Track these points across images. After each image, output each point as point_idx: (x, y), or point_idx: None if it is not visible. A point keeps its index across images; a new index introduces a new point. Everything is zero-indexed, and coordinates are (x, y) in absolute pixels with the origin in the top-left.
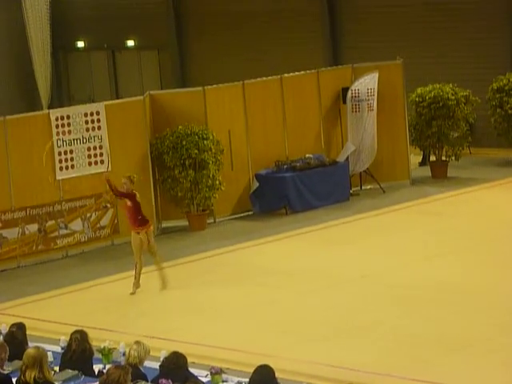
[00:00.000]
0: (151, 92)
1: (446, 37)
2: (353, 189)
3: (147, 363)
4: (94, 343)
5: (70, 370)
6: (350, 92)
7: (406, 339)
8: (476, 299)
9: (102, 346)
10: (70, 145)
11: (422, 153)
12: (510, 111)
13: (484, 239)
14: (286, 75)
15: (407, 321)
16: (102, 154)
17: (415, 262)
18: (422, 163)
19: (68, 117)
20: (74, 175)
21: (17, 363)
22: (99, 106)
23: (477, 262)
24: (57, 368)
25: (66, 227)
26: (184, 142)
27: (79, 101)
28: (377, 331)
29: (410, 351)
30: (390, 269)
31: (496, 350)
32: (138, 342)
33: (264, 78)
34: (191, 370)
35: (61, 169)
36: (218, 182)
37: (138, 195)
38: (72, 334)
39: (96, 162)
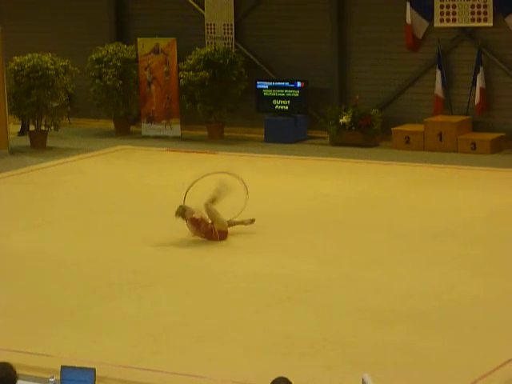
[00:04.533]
0: None
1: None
2: None
3: None
4: None
5: None
6: None
7: None
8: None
9: None
10: None
11: (21, 122)
12: (108, 82)
13: (82, 209)
14: None
15: None
16: None
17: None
18: (21, 133)
19: None
20: None
21: None
22: None
23: (75, 231)
24: None
25: None
26: None
27: None
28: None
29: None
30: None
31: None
32: None
33: None
34: None
35: None
36: None
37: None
38: None
39: None
